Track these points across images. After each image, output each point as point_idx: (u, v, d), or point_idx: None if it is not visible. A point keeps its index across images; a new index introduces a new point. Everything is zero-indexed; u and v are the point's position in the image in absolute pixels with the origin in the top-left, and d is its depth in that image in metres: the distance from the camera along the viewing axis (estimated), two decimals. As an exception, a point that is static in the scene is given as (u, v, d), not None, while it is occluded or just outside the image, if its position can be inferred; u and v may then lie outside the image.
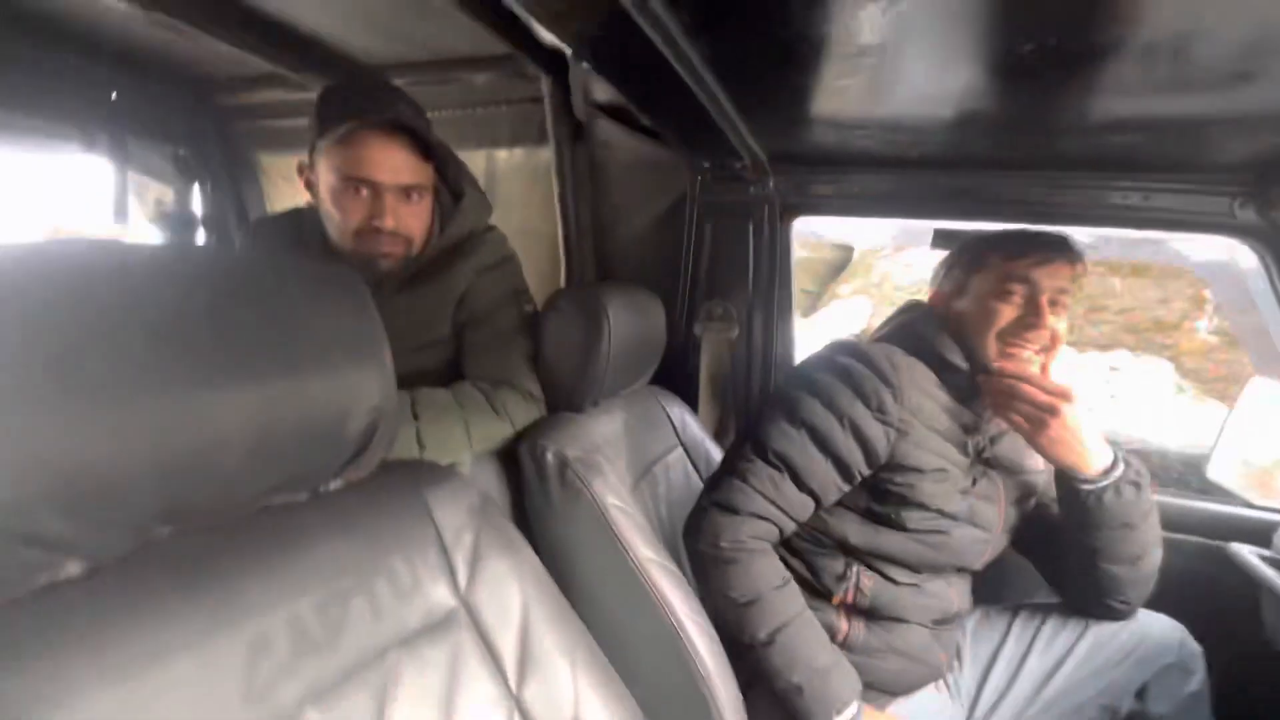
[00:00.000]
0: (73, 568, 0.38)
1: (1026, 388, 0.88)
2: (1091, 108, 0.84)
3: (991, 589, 1.15)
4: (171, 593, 0.41)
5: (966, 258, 0.98)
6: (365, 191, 0.92)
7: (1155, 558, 0.95)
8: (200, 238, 1.91)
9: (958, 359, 0.95)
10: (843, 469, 0.90)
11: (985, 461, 0.98)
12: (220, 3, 1.13)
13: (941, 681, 1.03)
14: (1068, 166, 1.09)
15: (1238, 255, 1.13)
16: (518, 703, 0.56)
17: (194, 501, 0.43)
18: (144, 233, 1.84)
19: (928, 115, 0.96)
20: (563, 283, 1.52)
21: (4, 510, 0.33)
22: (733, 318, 1.43)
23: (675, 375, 1.45)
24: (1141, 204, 1.08)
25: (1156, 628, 1.00)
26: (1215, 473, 1.13)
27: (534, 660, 0.59)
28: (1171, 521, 1.21)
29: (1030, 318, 0.90)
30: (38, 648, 0.35)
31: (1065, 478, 0.92)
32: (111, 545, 0.40)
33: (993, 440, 0.98)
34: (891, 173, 1.23)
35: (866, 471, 0.91)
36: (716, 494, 0.92)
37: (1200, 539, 1.19)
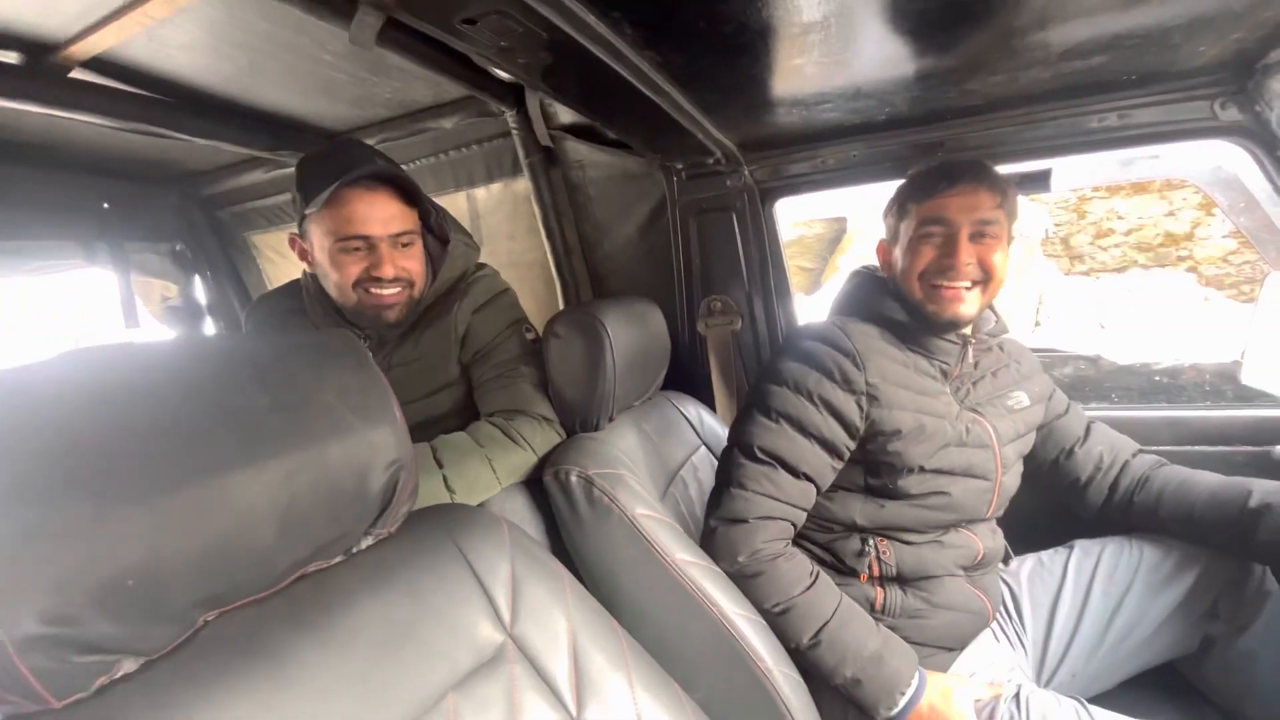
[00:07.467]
0: (127, 665, 0.40)
1: None
2: (1051, 37, 0.83)
3: (1037, 535, 1.13)
4: (228, 671, 0.42)
5: (895, 208, 0.99)
6: (360, 247, 0.95)
7: None
8: (208, 325, 1.97)
9: (899, 314, 0.96)
10: (829, 447, 0.92)
11: (971, 409, 0.98)
12: (194, 104, 1.18)
13: (1000, 630, 1.02)
14: (1037, 100, 1.08)
15: (1229, 157, 1.11)
16: (580, 726, 0.57)
17: (234, 583, 0.45)
18: (155, 332, 1.90)
19: (888, 77, 0.96)
20: (560, 305, 1.53)
21: (53, 622, 0.35)
22: (733, 309, 1.44)
23: (686, 376, 1.45)
24: (1119, 123, 1.06)
25: None
26: (1249, 377, 1.10)
27: (590, 681, 0.59)
28: (1214, 435, 1.19)
29: (945, 257, 0.90)
30: None
31: None
32: (160, 638, 0.41)
33: (974, 384, 0.99)
34: (862, 139, 1.23)
35: (851, 444, 0.93)
36: (720, 510, 0.93)
37: (1248, 448, 1.16)
